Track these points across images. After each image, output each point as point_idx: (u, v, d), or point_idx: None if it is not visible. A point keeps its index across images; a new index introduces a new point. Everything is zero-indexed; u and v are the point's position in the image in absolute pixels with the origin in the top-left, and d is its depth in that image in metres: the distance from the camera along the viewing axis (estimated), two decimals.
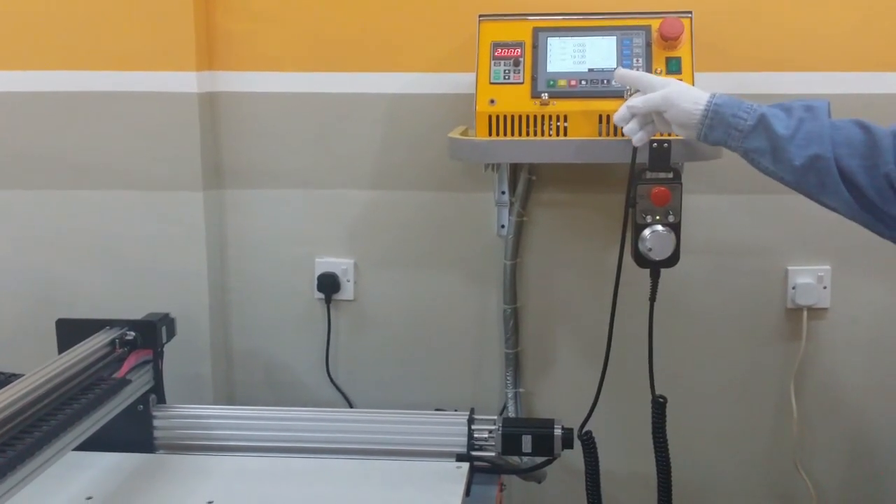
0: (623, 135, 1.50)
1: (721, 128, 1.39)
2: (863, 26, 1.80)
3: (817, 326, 1.92)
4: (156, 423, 1.64)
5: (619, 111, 1.47)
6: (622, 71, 1.53)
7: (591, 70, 1.63)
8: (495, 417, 1.61)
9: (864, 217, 1.33)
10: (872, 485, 1.98)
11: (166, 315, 1.69)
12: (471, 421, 1.59)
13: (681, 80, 1.58)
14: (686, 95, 1.42)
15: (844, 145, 1.31)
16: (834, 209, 1.36)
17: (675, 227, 1.56)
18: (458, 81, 1.84)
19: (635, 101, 1.45)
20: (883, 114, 1.79)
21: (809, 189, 1.36)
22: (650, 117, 1.46)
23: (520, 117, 1.61)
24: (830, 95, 1.78)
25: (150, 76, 1.87)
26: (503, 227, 1.92)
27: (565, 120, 1.61)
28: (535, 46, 1.65)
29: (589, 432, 1.66)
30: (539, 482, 1.85)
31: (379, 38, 1.89)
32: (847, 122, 1.34)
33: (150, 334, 1.64)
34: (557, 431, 1.56)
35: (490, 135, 1.62)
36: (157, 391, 1.66)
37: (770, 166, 1.37)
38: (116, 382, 1.53)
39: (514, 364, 1.97)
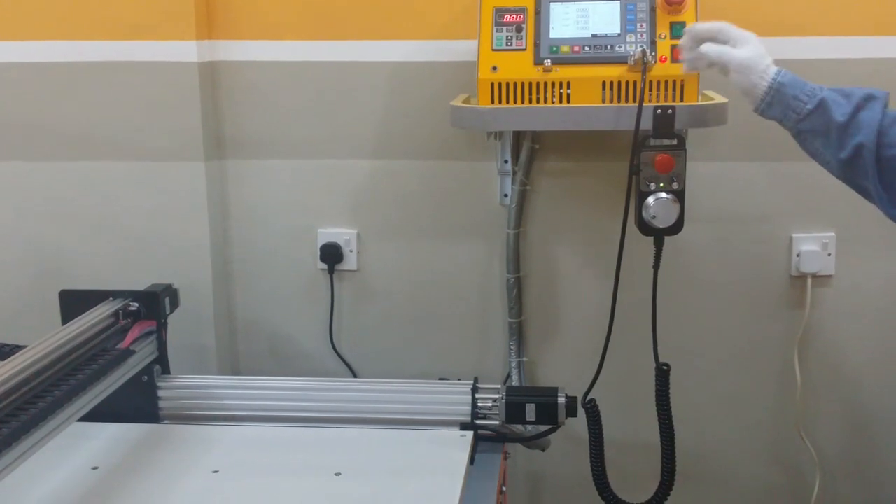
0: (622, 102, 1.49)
1: (779, 107, 1.39)
2: None
3: (822, 294, 1.92)
4: (160, 393, 1.64)
5: (684, 41, 1.47)
6: (698, 27, 1.47)
7: (594, 36, 1.62)
8: (499, 386, 1.61)
9: (891, 210, 1.33)
10: (875, 451, 1.99)
11: (169, 286, 1.69)
12: (475, 390, 1.59)
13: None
14: (756, 66, 1.40)
15: (891, 135, 1.31)
16: (869, 197, 1.36)
17: (679, 195, 1.56)
18: (460, 49, 1.83)
19: (711, 48, 1.43)
20: (890, 79, 1.79)
21: (851, 176, 1.36)
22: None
23: (522, 84, 1.60)
24: (837, 60, 1.78)
25: (150, 45, 1.86)
26: (506, 195, 1.91)
27: (568, 87, 1.59)
28: (537, 12, 1.64)
29: (592, 400, 1.67)
30: (543, 450, 1.86)
31: (380, 6, 1.87)
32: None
33: (153, 305, 1.64)
34: (561, 400, 1.57)
35: (492, 102, 1.61)
36: (162, 362, 1.67)
37: (820, 148, 1.38)
38: (120, 353, 1.53)
39: (518, 333, 1.97)
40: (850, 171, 1.36)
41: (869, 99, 1.34)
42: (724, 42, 1.43)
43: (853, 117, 1.33)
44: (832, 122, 1.34)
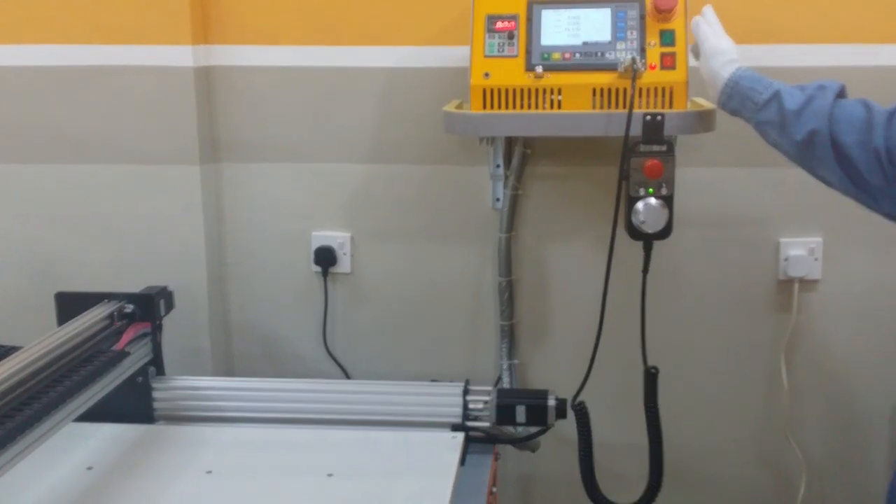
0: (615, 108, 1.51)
1: (738, 98, 1.47)
2: None
3: (809, 298, 1.94)
4: (155, 394, 1.66)
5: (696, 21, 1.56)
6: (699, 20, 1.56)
7: (585, 43, 1.63)
8: (490, 388, 1.62)
9: (855, 191, 1.37)
10: (860, 454, 2.01)
11: (164, 288, 1.71)
12: (466, 392, 1.61)
13: (674, 52, 1.59)
14: (724, 55, 1.50)
15: (844, 122, 1.35)
16: (829, 183, 1.41)
17: (668, 200, 1.58)
18: (453, 55, 1.84)
19: (701, 25, 1.53)
20: (878, 86, 1.81)
21: (809, 163, 1.41)
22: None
23: (514, 91, 1.61)
24: (826, 68, 1.80)
25: (145, 50, 1.87)
26: (498, 200, 1.93)
27: (559, 93, 1.61)
28: (529, 19, 1.65)
29: (582, 403, 1.68)
30: (533, 451, 1.88)
31: (374, 12, 1.89)
32: (853, 101, 1.38)
33: (148, 307, 1.65)
34: (551, 402, 1.59)
35: (484, 108, 1.63)
36: (156, 363, 1.68)
37: (777, 138, 1.44)
38: (115, 354, 1.54)
39: (509, 336, 1.99)
40: (805, 157, 1.41)
41: (820, 89, 1.40)
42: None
43: (805, 106, 1.39)
44: (785, 111, 1.40)
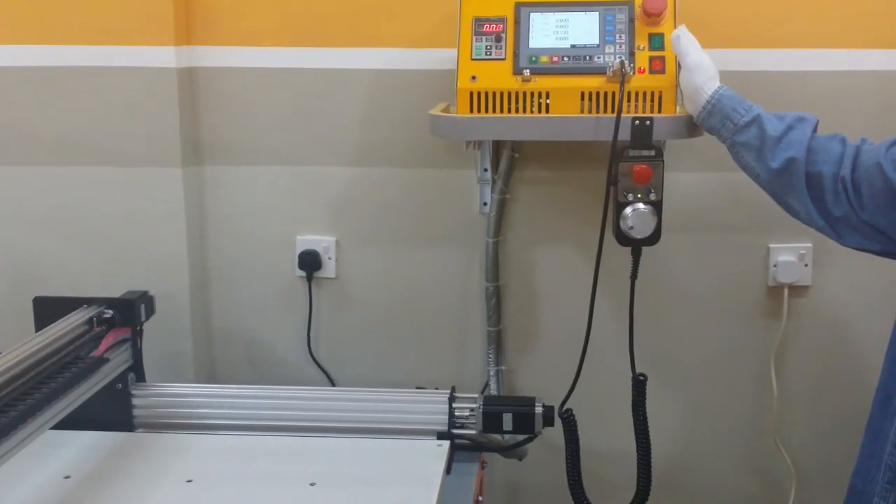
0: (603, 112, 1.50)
1: (718, 116, 1.47)
2: (848, 3, 1.80)
3: (798, 304, 1.93)
4: (135, 401, 1.63)
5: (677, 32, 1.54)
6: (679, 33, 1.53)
7: (573, 46, 1.62)
8: (476, 395, 1.61)
9: (821, 223, 1.42)
10: (850, 461, 1.98)
11: (145, 293, 1.68)
12: (452, 399, 1.59)
13: (663, 56, 1.58)
14: (706, 71, 1.49)
15: (822, 152, 1.40)
16: (794, 212, 1.45)
17: (657, 205, 1.56)
18: (440, 57, 1.82)
19: (683, 38, 1.51)
20: (866, 91, 1.81)
21: (781, 190, 1.45)
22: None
23: (501, 94, 1.60)
24: (814, 72, 1.80)
25: (127, 51, 1.85)
26: (485, 204, 1.91)
27: (547, 97, 1.59)
28: (517, 22, 1.64)
29: (569, 410, 1.67)
30: (520, 459, 1.86)
31: (360, 14, 1.87)
32: (830, 136, 1.43)
33: (128, 312, 1.63)
34: (538, 409, 1.57)
35: (471, 111, 1.61)
36: (136, 370, 1.66)
37: (751, 162, 1.46)
38: (94, 361, 1.52)
39: (496, 342, 1.97)
40: (778, 184, 1.44)
41: (800, 120, 1.44)
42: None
43: (785, 134, 1.42)
44: (766, 136, 1.42)
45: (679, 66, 1.54)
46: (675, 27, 1.60)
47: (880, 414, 1.44)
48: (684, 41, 1.51)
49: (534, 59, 1.61)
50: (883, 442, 1.40)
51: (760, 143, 1.43)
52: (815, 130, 1.43)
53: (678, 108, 1.60)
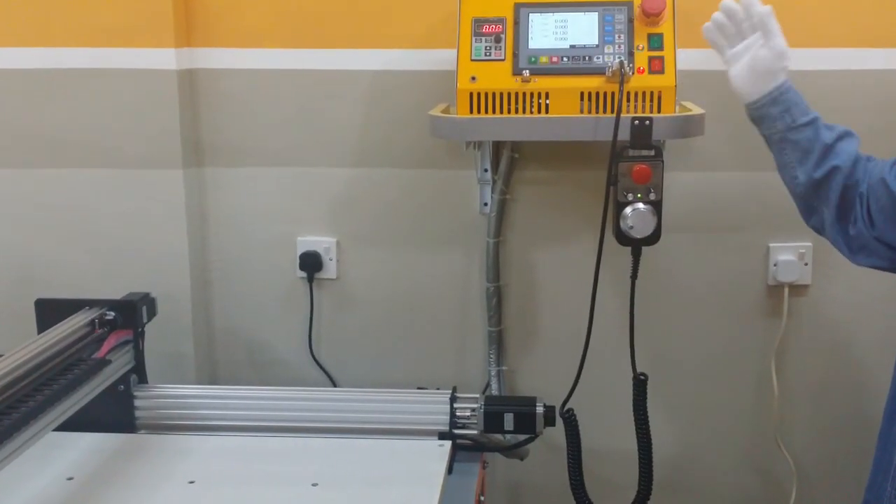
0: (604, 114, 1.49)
1: (781, 107, 1.43)
2: (848, 2, 1.80)
3: (798, 303, 1.93)
4: (137, 403, 1.63)
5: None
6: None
7: (572, 46, 1.62)
8: (477, 396, 1.61)
9: (843, 238, 1.42)
10: (851, 460, 2.00)
11: (146, 295, 1.68)
12: (453, 399, 1.60)
13: (662, 56, 1.58)
14: (784, 57, 1.44)
15: (859, 168, 1.40)
16: (818, 222, 1.45)
17: (657, 205, 1.57)
18: (439, 58, 1.83)
19: (778, 25, 1.44)
20: (862, 90, 1.81)
21: (812, 197, 1.44)
22: (739, 38, 1.47)
23: (501, 94, 1.60)
24: (811, 72, 1.80)
25: (128, 53, 1.85)
26: (486, 204, 1.91)
27: (547, 97, 1.60)
28: (516, 22, 1.64)
29: (570, 410, 1.67)
30: (521, 459, 1.86)
31: (360, 15, 1.87)
32: (882, 161, 1.41)
33: (130, 314, 1.63)
34: (539, 409, 1.57)
35: (471, 112, 1.61)
36: (138, 371, 1.66)
37: (795, 163, 1.43)
38: (96, 363, 1.52)
39: (497, 342, 1.97)
40: (814, 192, 1.43)
41: (849, 134, 1.43)
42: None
43: (836, 142, 1.41)
44: (819, 141, 1.41)
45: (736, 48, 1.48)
46: (674, 27, 1.61)
47: (888, 425, 1.44)
48: (776, 22, 1.45)
49: (533, 59, 1.62)
50: (891, 451, 1.39)
51: (811, 146, 1.41)
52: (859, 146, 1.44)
53: (677, 107, 1.60)
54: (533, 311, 1.98)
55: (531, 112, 1.60)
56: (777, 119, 1.44)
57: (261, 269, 2.00)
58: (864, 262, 1.42)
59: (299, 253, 1.98)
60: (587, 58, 1.61)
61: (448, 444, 1.55)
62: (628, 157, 1.55)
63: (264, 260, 2.00)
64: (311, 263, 1.97)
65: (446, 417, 1.58)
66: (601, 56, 1.61)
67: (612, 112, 1.55)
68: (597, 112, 1.58)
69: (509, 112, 1.61)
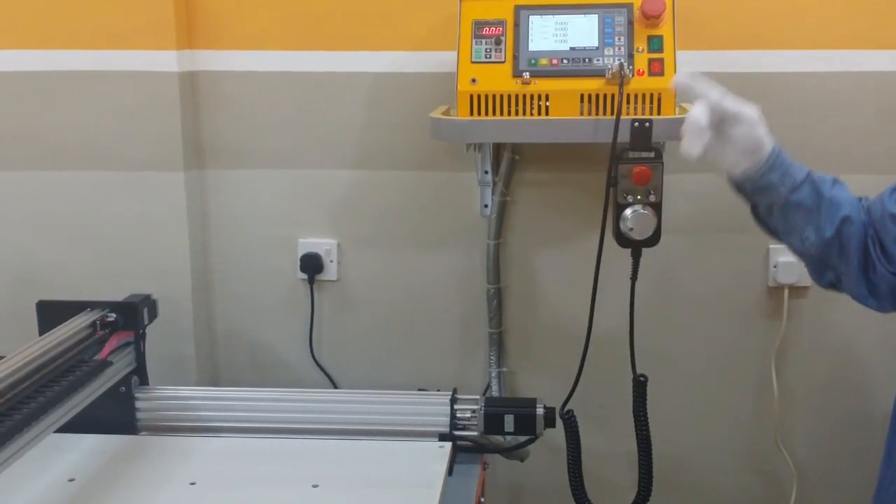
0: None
1: (779, 171, 1.35)
2: (848, 4, 1.80)
3: (798, 305, 1.93)
4: (138, 404, 1.63)
5: (696, 110, 1.33)
6: (682, 77, 1.40)
7: (572, 49, 1.63)
8: (478, 397, 1.61)
9: (861, 290, 1.35)
10: (851, 461, 2.00)
11: (148, 296, 1.68)
12: (453, 401, 1.60)
13: (662, 58, 1.59)
14: (762, 126, 1.35)
15: (874, 210, 1.34)
16: (836, 279, 1.37)
17: (657, 207, 1.56)
18: (440, 60, 1.83)
19: (728, 98, 1.34)
20: (867, 92, 1.81)
21: (828, 255, 1.35)
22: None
23: (501, 97, 1.60)
24: (814, 74, 1.80)
25: (129, 55, 1.85)
26: (486, 206, 1.91)
27: (547, 99, 1.60)
28: (516, 25, 1.64)
29: (571, 411, 1.67)
30: (522, 461, 1.86)
31: (361, 17, 1.87)
32: (876, 198, 1.37)
33: (131, 316, 1.63)
34: (539, 410, 1.58)
35: (472, 114, 1.62)
36: (140, 373, 1.66)
37: (802, 223, 1.35)
38: (97, 364, 1.52)
39: (498, 344, 1.98)
40: (828, 250, 1.35)
41: (837, 180, 1.37)
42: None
43: (835, 192, 1.35)
44: (821, 195, 1.34)
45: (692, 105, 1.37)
46: (674, 29, 1.61)
47: (893, 435, 1.43)
48: (730, 99, 1.34)
49: (533, 61, 1.62)
50: None
51: (815, 203, 1.34)
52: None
53: (677, 109, 1.61)
54: (533, 312, 1.98)
55: (531, 114, 1.61)
56: (778, 184, 1.35)
57: (262, 270, 2.01)
58: (893, 307, 1.35)
59: (300, 255, 1.98)
60: (587, 60, 1.62)
61: (448, 445, 1.55)
62: (628, 159, 1.55)
63: (265, 262, 2.00)
64: (312, 265, 1.97)
65: (447, 419, 1.58)
66: (601, 58, 1.61)
67: (612, 114, 1.56)
68: (597, 114, 1.58)
69: (509, 114, 1.61)
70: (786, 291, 1.91)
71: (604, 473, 1.98)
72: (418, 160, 1.92)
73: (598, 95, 1.58)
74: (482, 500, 1.59)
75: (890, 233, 1.31)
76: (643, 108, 1.58)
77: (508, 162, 1.88)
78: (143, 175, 1.91)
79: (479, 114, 1.61)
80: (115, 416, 1.61)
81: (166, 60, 1.85)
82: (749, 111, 1.35)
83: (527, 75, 1.60)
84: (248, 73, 1.91)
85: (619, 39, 1.62)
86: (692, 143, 1.33)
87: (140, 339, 1.65)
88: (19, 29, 1.87)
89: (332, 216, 1.97)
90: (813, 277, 1.44)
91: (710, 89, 1.35)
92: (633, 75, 1.58)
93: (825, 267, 1.39)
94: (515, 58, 1.62)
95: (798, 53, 1.81)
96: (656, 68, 1.59)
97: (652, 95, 1.58)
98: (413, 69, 1.87)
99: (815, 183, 1.35)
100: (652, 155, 1.55)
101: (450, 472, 1.50)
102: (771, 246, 1.91)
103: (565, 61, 1.62)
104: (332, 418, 1.61)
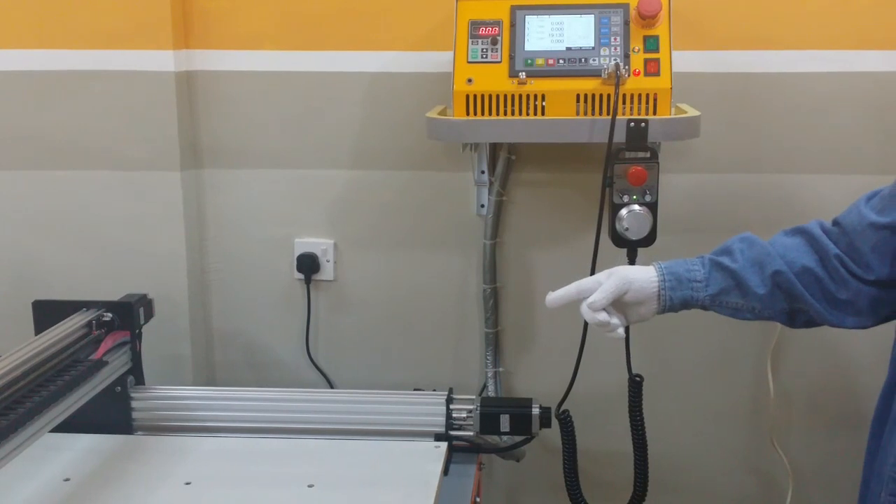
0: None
1: (683, 286, 1.36)
2: (844, 4, 1.80)
3: None
4: (134, 404, 1.63)
5: (587, 314, 1.39)
6: (553, 296, 1.43)
7: (568, 49, 1.63)
8: (473, 397, 1.61)
9: (834, 317, 1.33)
10: (847, 461, 2.00)
11: (144, 296, 1.68)
12: (449, 400, 1.60)
13: (658, 58, 1.59)
14: (635, 271, 1.38)
15: (792, 250, 1.33)
16: (810, 319, 1.35)
17: (652, 207, 1.57)
18: (436, 60, 1.83)
19: (594, 297, 1.36)
20: (862, 92, 1.81)
21: (781, 307, 1.34)
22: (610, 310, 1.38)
23: (497, 96, 1.61)
24: (810, 74, 1.80)
25: (126, 55, 1.86)
26: (483, 206, 1.92)
27: (543, 99, 1.60)
28: (512, 25, 1.65)
29: (566, 411, 1.67)
30: (517, 460, 1.86)
31: (357, 17, 1.87)
32: (777, 236, 1.36)
33: (127, 315, 1.63)
34: (535, 411, 1.58)
35: (468, 114, 1.62)
36: (136, 372, 1.66)
37: (740, 300, 1.35)
38: (93, 364, 1.52)
39: (494, 343, 1.98)
40: (778, 305, 1.34)
41: (741, 240, 1.37)
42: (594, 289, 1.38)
43: (745, 259, 1.35)
44: (732, 272, 1.34)
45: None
46: (669, 29, 1.61)
47: (873, 438, 1.42)
48: (598, 295, 1.37)
49: (529, 61, 1.62)
50: (883, 457, 1.38)
51: (734, 279, 1.34)
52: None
53: (673, 109, 1.61)
54: (529, 312, 1.99)
55: (527, 114, 1.61)
56: (692, 294, 1.36)
57: (258, 270, 2.01)
58: (878, 319, 1.32)
59: (297, 255, 1.98)
60: (583, 60, 1.62)
61: (444, 445, 1.55)
62: (624, 159, 1.56)
63: (262, 261, 2.00)
64: (308, 265, 1.98)
65: (442, 419, 1.58)
66: (597, 58, 1.61)
67: (608, 114, 1.56)
68: (593, 114, 1.59)
69: (506, 114, 1.61)
70: None
71: (599, 473, 1.98)
72: (415, 160, 1.92)
73: (594, 95, 1.58)
74: (478, 500, 1.59)
75: (868, 241, 1.29)
76: (639, 109, 1.58)
77: (505, 162, 1.88)
78: (139, 175, 1.91)
79: (476, 114, 1.61)
80: (111, 415, 1.61)
81: (163, 60, 1.85)
82: (620, 273, 1.37)
83: (523, 75, 1.60)
84: (244, 72, 1.91)
85: (615, 39, 1.62)
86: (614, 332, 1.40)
87: (136, 338, 1.65)
88: (16, 28, 1.87)
89: (328, 216, 1.97)
90: (789, 326, 1.40)
91: (578, 293, 1.40)
92: (629, 75, 1.58)
93: (790, 314, 1.36)
94: (512, 58, 1.62)
95: (792, 54, 1.82)
96: (652, 68, 1.59)
97: (648, 95, 1.58)
98: (409, 69, 1.88)
99: (719, 264, 1.35)
100: (647, 155, 1.56)
101: (445, 471, 1.50)
102: None
103: (561, 61, 1.62)
104: (329, 418, 1.61)
